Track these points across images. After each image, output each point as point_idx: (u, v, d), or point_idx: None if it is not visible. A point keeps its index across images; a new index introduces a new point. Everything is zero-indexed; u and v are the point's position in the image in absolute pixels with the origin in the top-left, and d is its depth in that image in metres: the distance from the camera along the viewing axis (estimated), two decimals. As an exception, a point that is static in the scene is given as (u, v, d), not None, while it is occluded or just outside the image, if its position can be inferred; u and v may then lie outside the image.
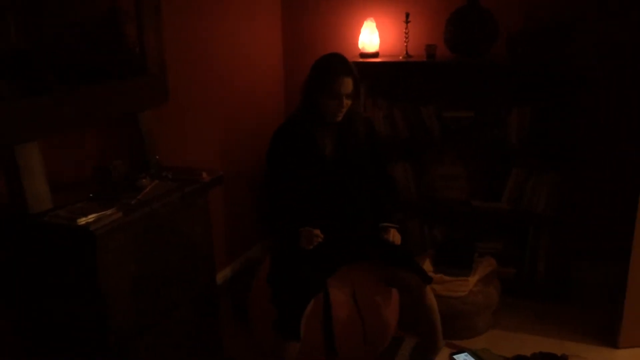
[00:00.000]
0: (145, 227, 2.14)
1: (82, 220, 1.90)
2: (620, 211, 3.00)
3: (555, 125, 3.08)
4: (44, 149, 2.04)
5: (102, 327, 2.02)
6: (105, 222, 1.93)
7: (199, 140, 3.14)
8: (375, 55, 3.44)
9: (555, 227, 3.17)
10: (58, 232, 1.94)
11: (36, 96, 2.03)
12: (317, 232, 2.41)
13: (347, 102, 2.42)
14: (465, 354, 2.26)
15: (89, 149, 2.41)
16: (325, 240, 2.43)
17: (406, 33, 3.36)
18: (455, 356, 2.25)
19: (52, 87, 2.11)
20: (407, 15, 3.34)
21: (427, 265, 3.06)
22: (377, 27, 3.45)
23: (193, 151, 3.08)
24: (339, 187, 2.52)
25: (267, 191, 2.55)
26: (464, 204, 3.39)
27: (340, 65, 2.40)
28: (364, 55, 3.43)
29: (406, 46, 3.37)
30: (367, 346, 2.49)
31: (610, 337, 2.82)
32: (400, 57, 3.38)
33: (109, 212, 1.97)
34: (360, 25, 3.47)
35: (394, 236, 2.53)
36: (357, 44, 3.49)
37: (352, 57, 3.38)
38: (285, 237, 2.47)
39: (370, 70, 3.38)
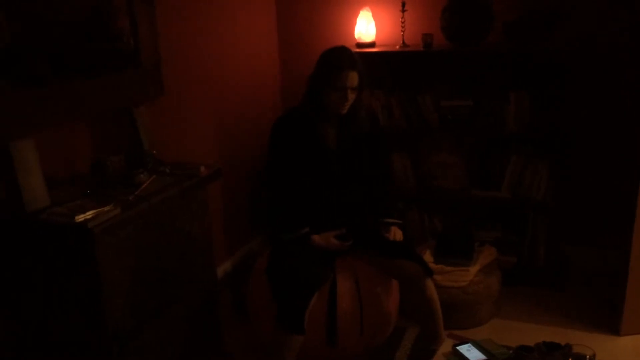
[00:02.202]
0: (144, 222, 2.11)
1: (80, 217, 1.88)
2: (619, 196, 2.98)
3: (554, 111, 3.06)
4: (38, 145, 2.01)
5: (102, 323, 1.99)
6: (104, 219, 1.90)
7: (196, 134, 3.11)
8: (372, 45, 3.41)
9: (554, 213, 3.16)
10: (56, 229, 1.91)
11: (30, 90, 2.01)
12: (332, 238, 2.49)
13: (351, 96, 2.43)
14: (469, 344, 2.24)
15: (85, 144, 2.38)
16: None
17: (402, 22, 3.32)
18: (458, 347, 2.23)
19: (46, 81, 2.08)
20: (403, 4, 3.30)
21: (428, 256, 3.05)
22: (373, 16, 3.41)
23: (190, 145, 3.05)
24: (340, 179, 2.52)
25: (270, 182, 2.54)
26: (463, 192, 3.38)
27: (347, 59, 2.40)
28: (361, 45, 3.40)
29: (403, 35, 3.34)
30: (364, 337, 2.49)
31: (611, 324, 2.82)
32: (397, 47, 3.35)
33: (106, 208, 1.94)
34: (356, 15, 3.43)
35: (395, 234, 2.55)
36: (353, 34, 3.45)
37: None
38: (294, 237, 2.46)
39: (367, 60, 3.28)
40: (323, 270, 2.39)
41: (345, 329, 2.44)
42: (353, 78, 2.39)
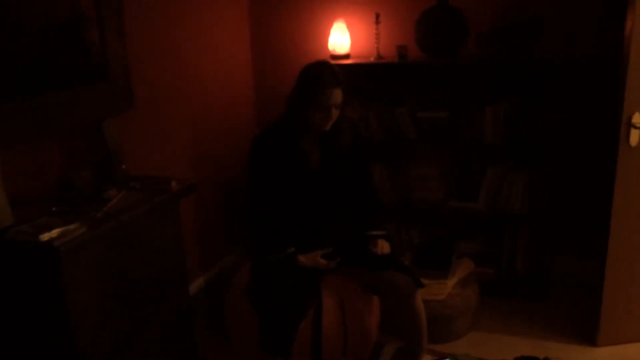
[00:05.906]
0: (113, 240, 2.05)
1: (46, 236, 1.81)
2: (595, 207, 3.00)
3: (529, 123, 3.07)
4: (3, 161, 1.94)
5: (71, 350, 1.92)
6: (70, 237, 1.84)
7: (168, 148, 3.05)
8: (346, 57, 3.40)
9: (532, 225, 3.16)
10: (20, 249, 1.84)
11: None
12: (319, 257, 2.42)
13: (335, 113, 2.34)
14: None
15: (53, 160, 2.31)
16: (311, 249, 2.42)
17: (377, 34, 3.32)
18: (436, 362, 2.22)
19: (9, 95, 2.01)
20: (377, 16, 3.30)
21: (405, 269, 3.02)
22: (347, 28, 3.40)
23: (162, 159, 2.99)
24: (325, 199, 2.46)
25: (251, 204, 2.45)
26: (440, 204, 3.36)
27: (330, 76, 2.30)
28: (335, 57, 3.38)
29: (377, 47, 3.33)
30: (348, 355, 2.44)
31: (589, 335, 2.82)
32: (372, 59, 3.34)
33: (73, 226, 1.87)
34: (330, 27, 3.42)
35: (382, 247, 2.49)
36: (327, 45, 3.44)
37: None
38: (279, 258, 2.39)
39: (342, 72, 3.32)
40: (310, 293, 2.33)
41: (329, 347, 2.37)
42: (337, 95, 2.30)
